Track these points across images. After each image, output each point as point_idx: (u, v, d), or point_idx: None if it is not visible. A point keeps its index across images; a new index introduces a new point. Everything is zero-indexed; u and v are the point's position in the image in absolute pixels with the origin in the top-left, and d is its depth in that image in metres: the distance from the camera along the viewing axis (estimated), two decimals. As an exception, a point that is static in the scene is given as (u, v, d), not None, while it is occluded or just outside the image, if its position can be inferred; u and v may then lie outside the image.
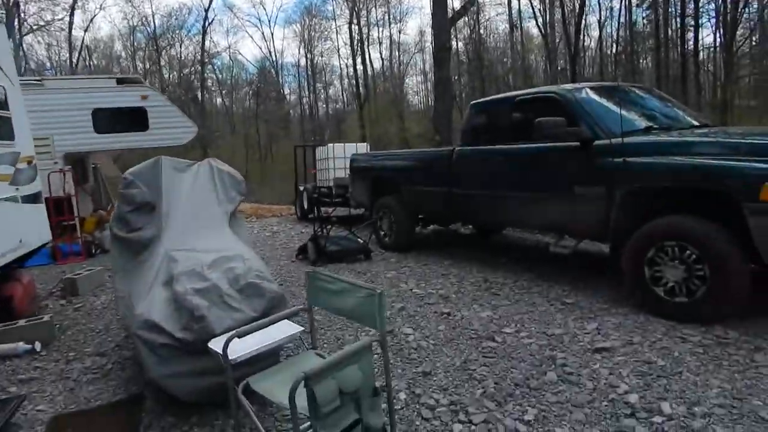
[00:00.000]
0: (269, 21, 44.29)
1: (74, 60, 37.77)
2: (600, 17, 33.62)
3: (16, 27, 34.86)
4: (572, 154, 5.33)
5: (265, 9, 48.77)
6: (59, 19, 36.12)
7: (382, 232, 9.06)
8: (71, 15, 36.12)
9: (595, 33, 33.92)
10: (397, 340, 4.39)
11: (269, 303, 3.38)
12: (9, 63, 5.95)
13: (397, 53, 41.86)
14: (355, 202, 10.59)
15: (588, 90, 5.80)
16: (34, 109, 9.83)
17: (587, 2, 28.89)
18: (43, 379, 4.10)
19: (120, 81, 10.39)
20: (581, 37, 29.58)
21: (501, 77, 34.20)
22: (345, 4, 38.17)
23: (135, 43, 41.63)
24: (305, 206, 13.57)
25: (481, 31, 33.34)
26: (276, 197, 27.32)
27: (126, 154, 13.06)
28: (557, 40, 32.58)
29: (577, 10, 27.38)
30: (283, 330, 2.83)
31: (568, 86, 5.95)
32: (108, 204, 12.86)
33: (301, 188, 14.00)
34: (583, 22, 29.49)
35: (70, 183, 9.93)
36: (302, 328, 2.89)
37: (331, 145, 13.57)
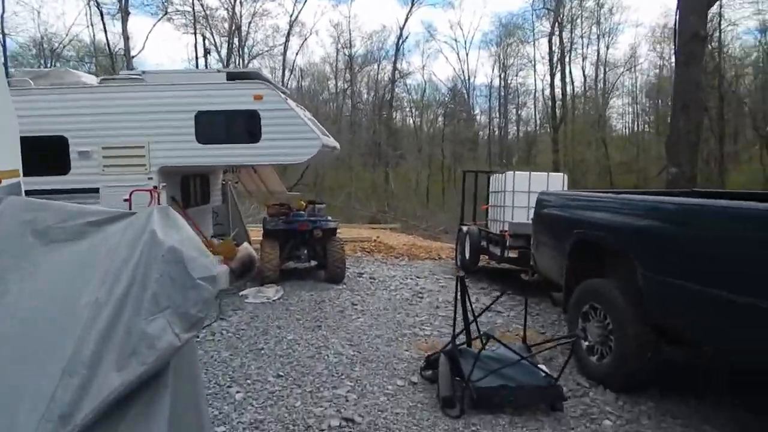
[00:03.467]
0: (465, 41, 40.94)
1: (287, 81, 38.81)
2: None
3: (237, 50, 36.75)
4: None
5: (462, 29, 45.59)
6: (279, 45, 37.44)
7: (587, 343, 4.61)
8: (286, 39, 37.10)
9: None
10: None
11: None
12: None
13: (602, 70, 35.31)
14: (537, 271, 6.25)
15: None
16: (131, 110, 7.38)
17: None
18: None
19: (231, 77, 7.51)
20: None
21: (747, 97, 25.95)
22: (547, 16, 33.09)
23: (338, 65, 41.72)
24: (467, 255, 9.43)
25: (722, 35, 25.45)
26: (453, 222, 23.72)
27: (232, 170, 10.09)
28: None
29: None
30: None
31: None
32: (236, 230, 10.25)
33: (465, 229, 9.88)
34: None
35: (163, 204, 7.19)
36: None
37: (511, 173, 9.25)
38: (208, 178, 9.46)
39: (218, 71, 7.76)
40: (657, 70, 36.81)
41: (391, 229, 17.07)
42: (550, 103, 34.17)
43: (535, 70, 37.44)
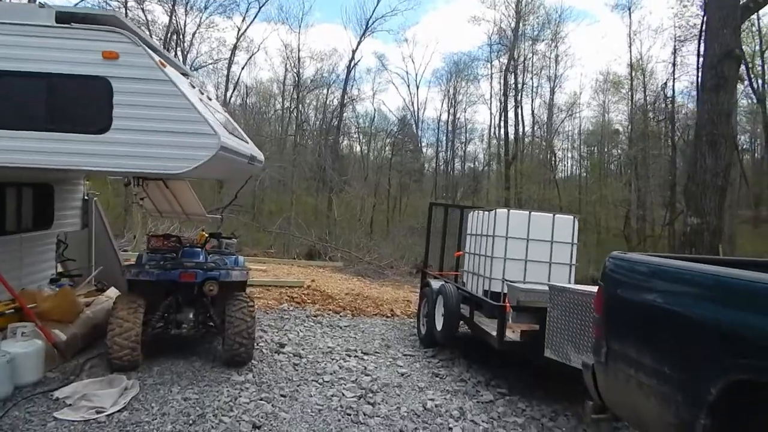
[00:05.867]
0: (416, 75, 39.03)
1: (229, 96, 35.08)
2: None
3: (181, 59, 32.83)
4: None
5: (414, 63, 43.70)
6: (225, 59, 33.74)
7: None
8: (232, 53, 33.52)
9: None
10: None
11: None
12: None
13: (550, 113, 34.03)
14: (605, 404, 3.23)
15: None
16: None
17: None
18: None
19: (65, 18, 4.15)
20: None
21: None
22: (496, 55, 31.42)
23: (285, 84, 38.46)
24: (438, 324, 6.31)
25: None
26: (398, 254, 20.76)
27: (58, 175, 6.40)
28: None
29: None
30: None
31: None
32: (99, 268, 6.69)
33: (435, 285, 6.78)
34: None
35: None
36: None
37: (503, 211, 6.34)
38: (49, 190, 5.89)
39: (41, 5, 4.32)
40: (597, 118, 36.17)
41: (332, 268, 13.74)
42: (501, 141, 32.30)
43: (489, 104, 35.72)
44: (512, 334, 5.20)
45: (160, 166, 4.21)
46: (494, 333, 5.29)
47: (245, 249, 19.47)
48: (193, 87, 5.13)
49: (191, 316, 5.22)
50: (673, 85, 25.16)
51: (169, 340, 5.34)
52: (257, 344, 5.97)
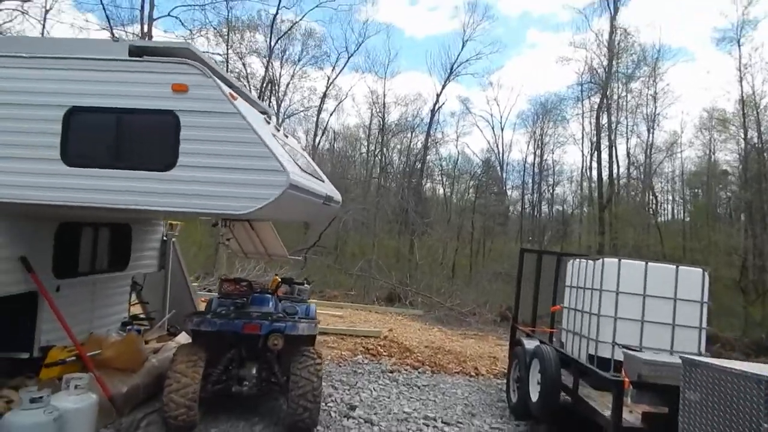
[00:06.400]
0: (501, 117, 38.26)
1: (317, 142, 36.31)
2: None
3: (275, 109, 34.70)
4: None
5: (498, 105, 43.00)
6: (315, 106, 35.19)
7: None
8: (322, 101, 34.83)
9: None
10: None
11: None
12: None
13: (647, 153, 31.51)
14: None
15: None
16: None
17: None
18: None
19: (138, 51, 3.97)
20: None
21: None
22: (586, 95, 29.89)
23: (371, 129, 39.25)
24: (533, 393, 5.32)
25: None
26: (481, 300, 19.56)
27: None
28: None
29: None
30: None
31: None
32: (172, 312, 6.48)
33: (528, 344, 5.81)
34: None
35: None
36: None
37: (613, 260, 5.33)
38: (127, 230, 5.78)
39: (115, 39, 4.20)
40: (701, 158, 32.95)
41: (411, 316, 12.94)
42: (594, 183, 30.26)
43: (582, 148, 33.92)
44: (630, 416, 4.14)
45: (223, 206, 3.80)
46: (607, 413, 4.25)
47: (326, 290, 19.28)
48: (268, 123, 4.81)
49: (254, 372, 4.70)
50: (798, 119, 22.22)
51: (230, 397, 4.84)
52: (325, 404, 5.34)
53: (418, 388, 6.43)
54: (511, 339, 6.89)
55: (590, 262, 5.69)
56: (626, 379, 3.99)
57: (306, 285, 6.26)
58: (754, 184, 25.39)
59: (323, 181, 5.69)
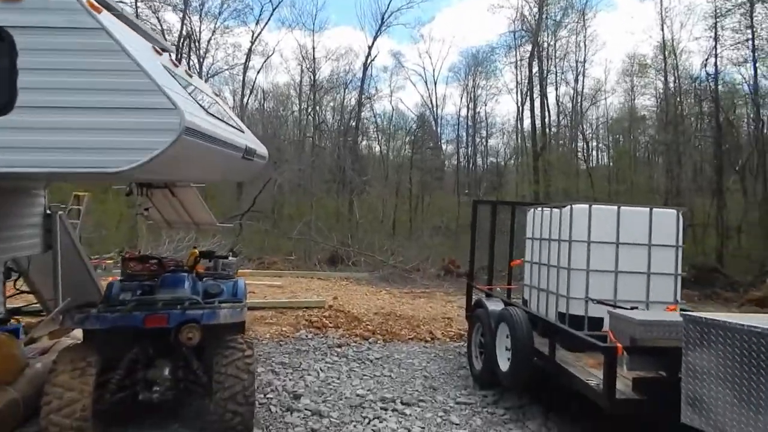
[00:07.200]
0: (433, 70, 37.34)
1: (245, 101, 33.78)
2: None
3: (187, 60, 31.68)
4: None
5: (431, 58, 42.04)
6: (240, 64, 32.40)
7: None
8: (247, 58, 32.16)
9: None
10: None
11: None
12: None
13: (576, 100, 31.93)
14: None
15: None
16: None
17: None
18: None
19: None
20: None
21: None
22: (525, 38, 29.41)
23: (302, 87, 37.12)
24: (499, 363, 4.66)
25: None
26: (423, 255, 19.25)
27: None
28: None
29: None
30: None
31: None
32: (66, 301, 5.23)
33: (491, 306, 5.13)
34: None
35: None
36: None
37: (582, 207, 4.68)
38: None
39: None
40: (624, 104, 33.88)
41: (356, 280, 12.13)
42: (526, 132, 30.38)
43: (516, 99, 33.76)
44: (621, 384, 3.54)
45: (89, 163, 2.67)
46: (593, 382, 3.64)
47: (265, 257, 18.08)
48: (160, 54, 3.61)
49: (166, 372, 3.68)
50: (715, 62, 22.88)
51: (139, 406, 3.81)
52: (264, 396, 4.45)
53: (371, 362, 5.66)
54: (468, 299, 6.23)
55: (555, 210, 5.03)
56: (619, 345, 3.35)
57: (232, 257, 5.21)
58: (670, 127, 26.29)
59: (243, 132, 4.58)
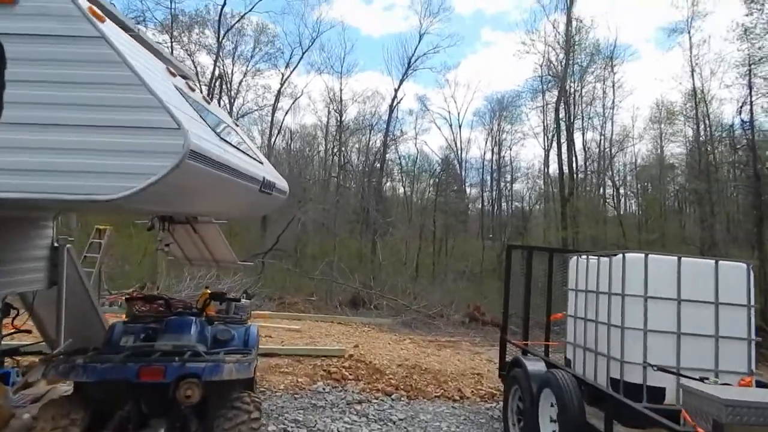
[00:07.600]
0: (458, 114, 37.52)
1: (273, 141, 34.32)
2: None
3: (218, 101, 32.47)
4: None
5: (456, 102, 42.45)
6: (269, 105, 33.16)
7: None
8: (276, 99, 32.90)
9: None
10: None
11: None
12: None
13: (605, 146, 31.38)
14: None
15: None
16: None
17: None
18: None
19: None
20: None
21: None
22: (541, 91, 29.39)
23: (328, 128, 37.73)
24: (540, 429, 4.02)
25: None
26: (446, 299, 18.57)
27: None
28: None
29: None
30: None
31: None
32: (68, 341, 4.83)
33: (529, 366, 4.52)
34: None
35: None
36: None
37: (636, 256, 4.11)
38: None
39: None
40: (649, 151, 33.18)
41: (378, 327, 11.48)
42: (551, 177, 29.80)
43: (545, 144, 33.48)
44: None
45: (79, 187, 2.30)
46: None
47: (286, 297, 17.60)
48: (174, 76, 3.31)
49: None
50: (751, 109, 22.14)
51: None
52: (273, 462, 3.88)
53: (394, 424, 5.03)
54: (502, 356, 5.61)
55: (604, 259, 4.46)
56: (699, 430, 2.72)
57: (245, 300, 4.76)
58: (703, 176, 25.40)
59: (261, 163, 4.23)
